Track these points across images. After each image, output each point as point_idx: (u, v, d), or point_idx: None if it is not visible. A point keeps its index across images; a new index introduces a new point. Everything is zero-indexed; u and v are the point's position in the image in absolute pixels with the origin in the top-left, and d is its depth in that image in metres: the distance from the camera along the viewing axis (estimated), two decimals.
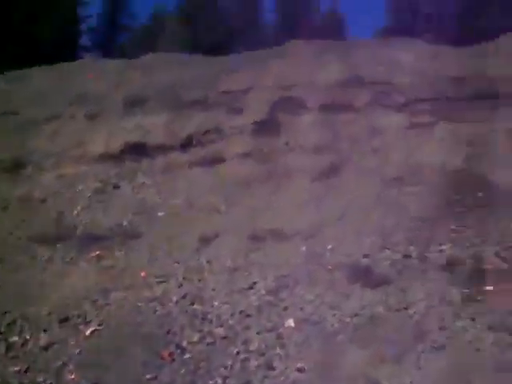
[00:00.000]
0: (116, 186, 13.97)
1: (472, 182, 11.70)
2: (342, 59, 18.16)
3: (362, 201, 11.88)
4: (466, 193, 11.37)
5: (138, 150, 15.13)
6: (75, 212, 13.33)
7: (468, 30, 33.11)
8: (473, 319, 8.36)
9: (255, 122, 15.05)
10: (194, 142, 15.08)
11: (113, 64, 21.50)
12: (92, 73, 19.60)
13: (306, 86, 16.21)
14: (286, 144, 14.38)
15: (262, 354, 8.44)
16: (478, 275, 9.23)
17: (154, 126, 15.65)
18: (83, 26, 40.64)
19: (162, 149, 15.08)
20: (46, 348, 9.19)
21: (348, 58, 18.08)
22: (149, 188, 13.74)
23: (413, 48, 18.41)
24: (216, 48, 38.05)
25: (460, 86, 14.78)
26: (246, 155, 14.34)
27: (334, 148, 13.93)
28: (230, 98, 16.25)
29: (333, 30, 38.19)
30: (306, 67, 17.86)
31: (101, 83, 18.57)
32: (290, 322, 9.12)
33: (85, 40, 41.69)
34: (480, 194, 11.22)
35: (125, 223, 12.48)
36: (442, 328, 8.34)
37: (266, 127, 14.92)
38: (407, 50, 18.19)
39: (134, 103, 16.88)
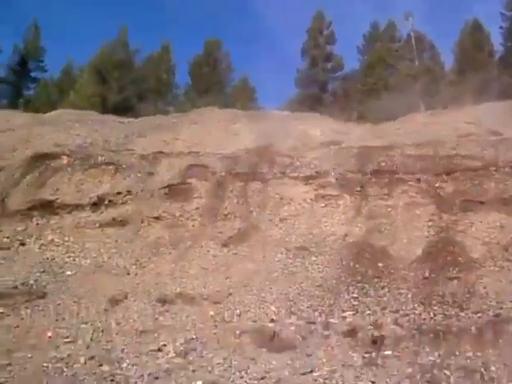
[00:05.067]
0: (22, 243, 13.66)
1: (373, 254, 12.47)
2: (253, 129, 19.08)
3: (269, 268, 12.33)
4: (367, 264, 12.10)
5: (46, 207, 14.88)
6: None
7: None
8: (373, 382, 8.90)
9: (166, 186, 15.33)
10: (105, 203, 15.07)
11: (21, 118, 21.15)
12: None
13: (216, 154, 16.79)
14: (197, 209, 14.71)
15: None
16: (377, 341, 9.85)
17: (64, 184, 15.50)
18: None
19: (72, 208, 14.92)
20: None
21: (259, 128, 19.00)
22: (57, 246, 13.54)
23: (320, 123, 19.65)
24: (126, 106, 38.23)
25: (362, 161, 15.87)
26: (157, 219, 14.55)
27: (242, 215, 14.40)
28: (142, 161, 16.51)
29: (245, 97, 39.48)
30: (216, 135, 18.59)
31: (8, 137, 18.22)
32: None
33: None
34: (380, 265, 11.98)
35: (31, 282, 12.17)
36: None
37: (177, 192, 15.24)
38: (315, 124, 19.41)
39: (43, 160, 16.66)
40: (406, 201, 13.90)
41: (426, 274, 11.43)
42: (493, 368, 8.81)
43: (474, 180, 14.12)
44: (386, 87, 35.42)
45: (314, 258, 12.55)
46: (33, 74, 41.78)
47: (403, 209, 13.68)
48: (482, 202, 13.29)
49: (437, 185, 14.30)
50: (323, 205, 14.14)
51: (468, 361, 9.12)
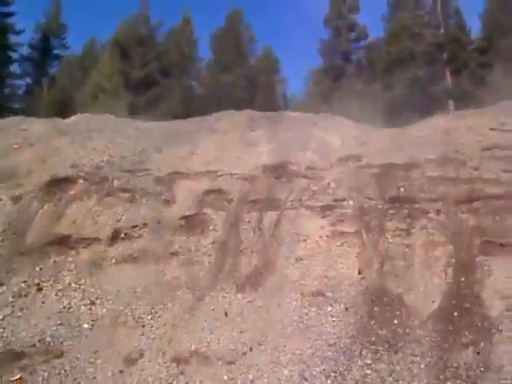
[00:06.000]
0: (40, 288, 13.79)
1: (388, 304, 12.28)
2: (270, 138, 18.72)
3: (284, 321, 12.27)
4: (382, 319, 11.93)
5: (63, 242, 14.97)
6: None
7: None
8: None
9: (182, 218, 15.27)
10: (122, 236, 15.08)
11: (38, 126, 20.93)
12: (17, 142, 19.22)
13: (233, 175, 16.58)
14: (212, 243, 14.64)
15: None
16: None
17: (80, 216, 15.55)
18: (15, 54, 39.74)
19: (89, 242, 14.98)
20: None
21: (276, 138, 18.64)
22: (74, 291, 13.67)
23: (340, 129, 19.10)
24: (149, 83, 37.94)
25: (380, 185, 15.48)
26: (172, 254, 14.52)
27: (258, 251, 14.27)
28: (158, 186, 16.42)
29: (268, 69, 38.89)
30: (234, 147, 18.30)
31: (25, 156, 18.22)
32: None
33: (15, 67, 40.73)
34: (395, 322, 11.81)
35: (48, 338, 12.36)
36: None
37: (193, 223, 15.15)
38: (335, 131, 18.90)
39: (60, 185, 16.67)
40: (425, 239, 13.54)
41: (441, 338, 11.21)
42: None
43: (495, 214, 13.66)
44: (412, 56, 34.37)
45: (329, 308, 12.43)
46: (55, 52, 41.63)
47: (421, 249, 13.35)
48: (502, 245, 12.85)
49: (456, 218, 13.88)
50: (339, 243, 13.89)
51: None
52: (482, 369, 10.44)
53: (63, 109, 33.66)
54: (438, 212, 14.12)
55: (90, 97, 35.72)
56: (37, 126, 20.90)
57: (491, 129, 17.30)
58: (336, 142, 18.23)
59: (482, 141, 16.66)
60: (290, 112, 22.00)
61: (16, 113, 30.82)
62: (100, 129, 20.35)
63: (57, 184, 16.77)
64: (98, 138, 19.46)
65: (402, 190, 15.09)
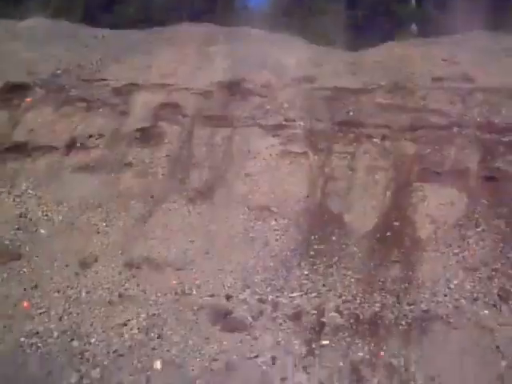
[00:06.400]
0: None
1: (329, 222, 13.25)
2: (229, 54, 18.93)
3: (230, 231, 13.14)
4: (322, 235, 12.90)
5: (20, 149, 15.31)
6: None
7: None
8: (308, 373, 10.12)
9: (138, 130, 15.69)
10: (78, 145, 15.46)
11: None
12: None
13: (188, 89, 16.90)
14: (167, 156, 15.18)
15: None
16: (318, 328, 10.95)
17: (37, 123, 15.83)
18: None
19: (46, 150, 15.34)
20: None
21: (234, 55, 18.84)
22: (30, 198, 14.15)
23: (297, 50, 19.39)
24: None
25: (331, 107, 16.13)
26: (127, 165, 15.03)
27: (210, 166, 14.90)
28: (116, 97, 16.68)
29: None
30: (191, 61, 18.50)
31: None
32: (158, 364, 10.51)
33: None
34: (333, 238, 12.81)
35: (6, 242, 13.00)
36: (283, 379, 10.08)
37: (148, 136, 15.59)
38: (292, 51, 19.16)
39: (16, 92, 16.80)
40: (368, 163, 14.37)
41: (373, 255, 12.29)
42: (412, 369, 9.99)
43: (435, 144, 14.50)
44: None
45: (273, 222, 13.31)
46: None
47: (363, 172, 14.21)
48: (438, 173, 13.80)
49: (399, 145, 14.70)
50: (288, 162, 14.61)
51: (392, 359, 10.25)
52: (406, 284, 11.59)
53: (12, 8, 32.42)
54: (383, 138, 14.88)
55: None
56: None
57: (443, 60, 17.93)
58: (291, 62, 18.53)
59: (433, 71, 17.30)
60: (249, 28, 22.00)
61: None
62: (56, 35, 20.17)
63: (12, 90, 16.88)
64: (54, 44, 19.38)
65: (351, 114, 15.76)
